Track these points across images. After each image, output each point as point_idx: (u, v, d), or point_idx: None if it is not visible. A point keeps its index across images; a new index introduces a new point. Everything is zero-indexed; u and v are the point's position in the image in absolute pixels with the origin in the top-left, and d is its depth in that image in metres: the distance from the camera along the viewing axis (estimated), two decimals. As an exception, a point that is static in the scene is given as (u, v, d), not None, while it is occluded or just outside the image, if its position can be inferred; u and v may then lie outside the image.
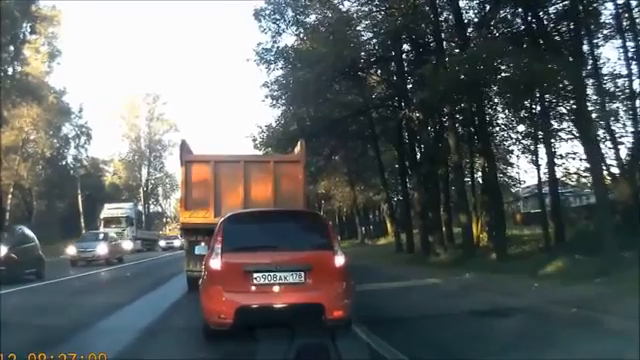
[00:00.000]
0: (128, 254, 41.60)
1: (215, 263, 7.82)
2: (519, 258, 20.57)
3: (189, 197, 14.54)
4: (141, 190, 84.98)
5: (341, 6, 29.49)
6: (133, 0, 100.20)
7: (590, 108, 20.48)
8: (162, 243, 61.10)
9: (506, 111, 27.92)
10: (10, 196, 44.13)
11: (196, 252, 9.87)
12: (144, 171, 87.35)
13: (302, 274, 7.75)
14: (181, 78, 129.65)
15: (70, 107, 55.67)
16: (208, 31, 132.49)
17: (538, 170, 25.88)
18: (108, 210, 52.84)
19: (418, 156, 31.12)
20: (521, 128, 27.20)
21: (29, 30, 44.22)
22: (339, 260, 8.04)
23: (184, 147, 15.26)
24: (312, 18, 31.11)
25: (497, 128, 28.52)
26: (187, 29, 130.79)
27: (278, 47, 30.09)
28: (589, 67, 20.95)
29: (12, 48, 40.32)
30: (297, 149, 15.77)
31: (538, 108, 24.48)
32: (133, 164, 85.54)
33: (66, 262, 28.64)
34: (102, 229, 46.69)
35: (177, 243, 57.38)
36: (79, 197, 57.52)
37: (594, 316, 8.74)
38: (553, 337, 8.01)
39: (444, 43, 25.64)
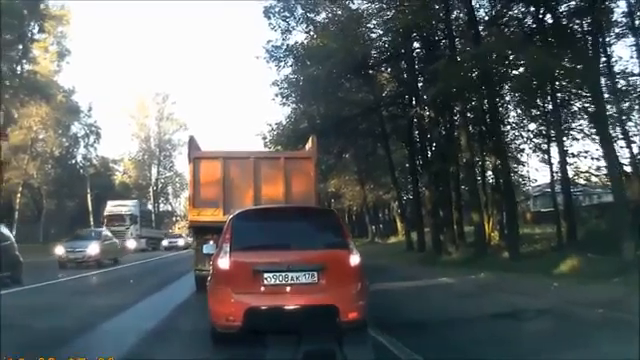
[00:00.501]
0: (131, 253, 40.52)
1: (223, 263, 7.49)
2: (532, 257, 20.23)
3: (197, 195, 14.17)
4: (151, 189, 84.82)
5: (351, 4, 29.36)
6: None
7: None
8: (165, 243, 58.57)
9: (518, 109, 27.90)
10: (19, 195, 43.72)
11: (204, 251, 9.49)
12: (154, 170, 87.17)
13: (315, 274, 7.39)
14: (190, 77, 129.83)
15: (79, 106, 55.22)
16: (217, 29, 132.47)
17: (551, 169, 25.57)
18: (111, 207, 51.46)
19: (429, 154, 30.77)
20: (532, 127, 27.00)
21: (37, 29, 43.78)
22: (354, 259, 7.66)
23: (192, 144, 14.87)
24: (322, 16, 31.07)
25: (508, 127, 28.24)
26: (196, 27, 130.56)
27: (288, 45, 30.08)
28: (601, 65, 20.63)
29: (20, 47, 39.95)
30: (308, 145, 15.41)
31: (550, 106, 24.15)
32: (143, 163, 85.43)
33: (54, 264, 25.91)
34: (105, 227, 46.17)
35: (181, 242, 56.30)
36: (88, 196, 56.83)
37: (623, 317, 8.37)
38: (583, 339, 7.64)
39: (455, 41, 25.32)
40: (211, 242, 10.46)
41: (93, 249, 27.02)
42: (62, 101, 47.25)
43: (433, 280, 16.73)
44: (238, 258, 7.51)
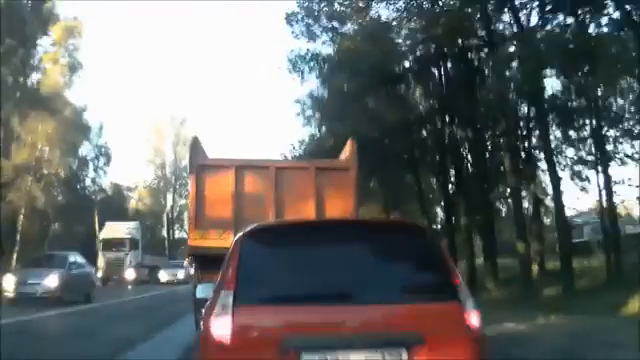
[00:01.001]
0: (130, 284, 37.63)
1: (221, 326, 4.14)
2: (584, 294, 17.92)
3: (201, 213, 11.04)
4: (164, 216, 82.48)
5: (380, 12, 27.64)
6: (156, 15, 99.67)
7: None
8: (162, 275, 48.10)
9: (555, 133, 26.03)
10: (22, 217, 40.38)
11: (197, 294, 6.17)
12: (169, 197, 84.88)
13: (404, 354, 4.11)
14: (207, 95, 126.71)
15: (90, 125, 51.74)
16: (234, 48, 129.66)
17: (600, 196, 23.37)
18: (110, 229, 45.73)
19: (462, 182, 28.63)
20: (570, 153, 24.92)
21: (41, 34, 40.88)
22: (473, 319, 4.36)
23: (196, 148, 11.73)
24: (348, 27, 29.13)
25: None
26: (213, 43, 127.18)
27: (313, 53, 27.99)
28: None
29: (22, 51, 37.15)
30: (345, 153, 12.18)
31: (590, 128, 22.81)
32: (158, 191, 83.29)
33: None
34: (100, 253, 42.39)
35: (181, 274, 47.01)
36: (96, 221, 52.71)
37: None
38: None
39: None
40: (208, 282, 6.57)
41: (52, 281, 20.79)
42: (70, 118, 43.95)
43: (498, 326, 12.59)
44: (249, 319, 4.19)
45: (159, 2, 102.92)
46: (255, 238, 4.68)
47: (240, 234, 4.89)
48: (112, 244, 43.83)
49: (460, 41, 25.28)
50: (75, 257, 24.05)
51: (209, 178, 11.25)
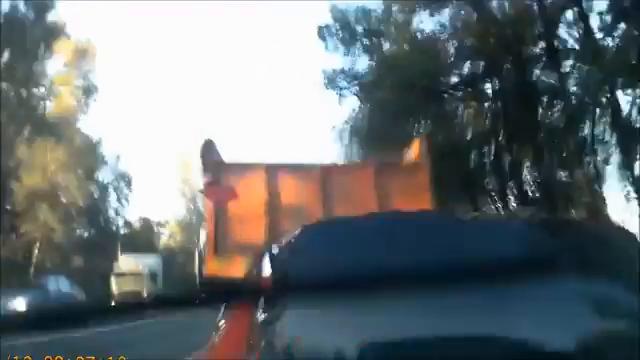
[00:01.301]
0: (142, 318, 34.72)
1: None
2: None
3: (222, 233, 8.06)
4: (196, 252, 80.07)
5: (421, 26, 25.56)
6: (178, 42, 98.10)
7: None
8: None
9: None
10: (37, 251, 37.16)
11: None
12: (202, 233, 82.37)
13: None
14: (236, 118, 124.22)
15: (106, 160, 48.57)
16: (264, 71, 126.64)
17: None
18: (125, 261, 42.03)
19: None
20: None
21: (46, 48, 37.81)
22: None
23: (209, 150, 8.68)
24: (387, 45, 27.25)
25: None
26: (240, 71, 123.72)
27: (351, 69, 25.81)
28: None
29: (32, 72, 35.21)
30: (413, 151, 8.85)
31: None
32: (190, 226, 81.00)
33: None
34: (114, 285, 39.09)
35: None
36: (119, 258, 47.60)
37: None
38: None
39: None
40: None
41: (18, 306, 17.27)
42: (82, 148, 40.79)
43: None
44: None
45: (180, 29, 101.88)
46: (302, 247, 2.46)
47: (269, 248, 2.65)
48: (128, 278, 40.17)
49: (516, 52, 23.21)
50: (58, 280, 20.73)
51: (231, 181, 8.28)
